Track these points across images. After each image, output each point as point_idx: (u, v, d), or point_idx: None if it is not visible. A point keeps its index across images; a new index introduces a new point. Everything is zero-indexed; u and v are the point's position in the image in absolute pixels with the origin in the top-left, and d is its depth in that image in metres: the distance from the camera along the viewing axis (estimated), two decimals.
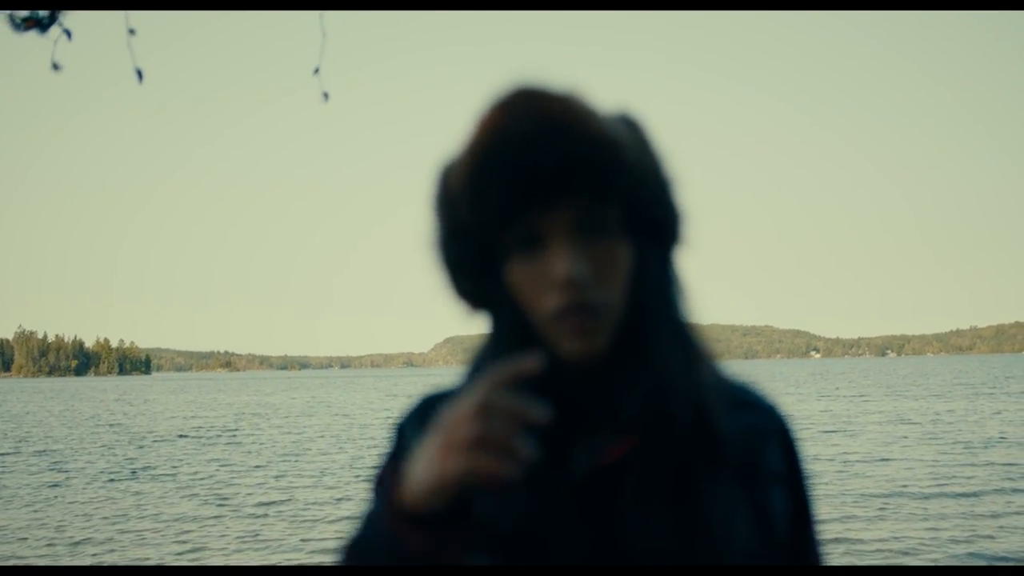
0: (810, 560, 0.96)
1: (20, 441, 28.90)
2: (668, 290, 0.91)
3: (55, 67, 2.23)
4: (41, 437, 30.45)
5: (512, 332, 0.89)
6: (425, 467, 0.76)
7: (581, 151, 0.82)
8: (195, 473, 19.01)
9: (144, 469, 20.07)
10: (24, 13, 2.18)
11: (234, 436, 29.06)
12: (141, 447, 25.78)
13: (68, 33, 2.24)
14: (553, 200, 0.83)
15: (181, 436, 29.48)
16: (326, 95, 2.96)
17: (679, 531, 0.85)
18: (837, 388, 56.35)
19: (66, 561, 10.65)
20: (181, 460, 21.81)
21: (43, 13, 2.15)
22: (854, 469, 16.80)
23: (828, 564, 0.98)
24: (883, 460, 18.10)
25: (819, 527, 0.98)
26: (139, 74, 2.26)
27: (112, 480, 18.19)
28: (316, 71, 2.79)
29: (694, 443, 0.87)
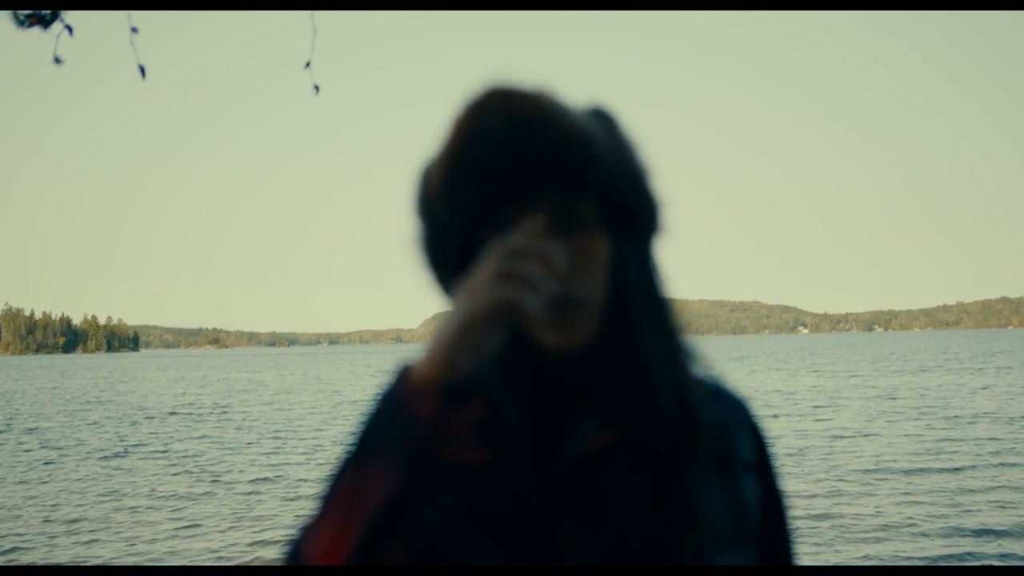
0: (782, 545, 1.03)
1: (10, 418, 28.89)
2: (648, 280, 0.94)
3: (57, 61, 2.26)
4: (32, 415, 30.43)
5: None
6: (452, 317, 0.77)
7: (553, 149, 0.83)
8: (187, 450, 19.07)
9: (136, 446, 20.11)
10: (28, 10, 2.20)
11: (225, 413, 29.11)
12: (133, 424, 25.81)
13: (70, 29, 2.26)
14: (528, 198, 0.85)
15: (172, 413, 29.50)
16: (317, 88, 3.00)
17: (665, 514, 0.89)
18: (826, 363, 56.65)
19: (61, 540, 10.71)
20: (172, 437, 21.86)
21: (46, 11, 2.17)
22: (841, 444, 16.96)
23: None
24: (870, 435, 18.28)
25: (789, 514, 1.04)
26: (142, 70, 2.29)
27: (105, 458, 18.23)
28: (307, 65, 2.82)
29: (676, 430, 0.91)
